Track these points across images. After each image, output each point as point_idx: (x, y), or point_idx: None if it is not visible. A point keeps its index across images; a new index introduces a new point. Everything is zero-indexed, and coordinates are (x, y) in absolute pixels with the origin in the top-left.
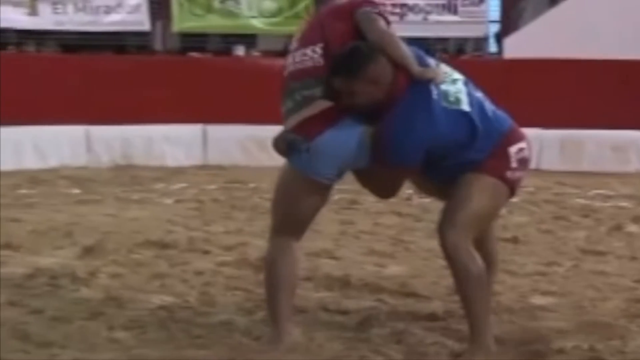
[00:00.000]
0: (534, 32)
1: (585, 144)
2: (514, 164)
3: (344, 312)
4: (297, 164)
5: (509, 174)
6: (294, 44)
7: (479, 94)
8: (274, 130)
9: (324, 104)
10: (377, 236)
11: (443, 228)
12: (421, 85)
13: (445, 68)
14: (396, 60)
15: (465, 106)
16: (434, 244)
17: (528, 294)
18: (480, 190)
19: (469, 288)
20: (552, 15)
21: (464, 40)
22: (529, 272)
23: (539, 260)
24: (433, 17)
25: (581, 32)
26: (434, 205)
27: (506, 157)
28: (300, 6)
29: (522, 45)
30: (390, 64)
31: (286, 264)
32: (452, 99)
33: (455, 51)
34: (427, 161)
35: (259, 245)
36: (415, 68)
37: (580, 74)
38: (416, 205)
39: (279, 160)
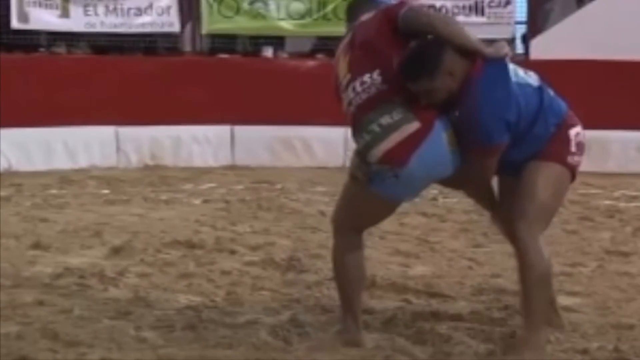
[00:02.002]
0: (561, 33)
1: (610, 145)
2: (573, 148)
3: (370, 312)
4: (378, 189)
5: (569, 158)
6: (344, 77)
7: (537, 80)
8: (302, 130)
9: (409, 129)
10: (403, 236)
11: (516, 222)
12: (495, 63)
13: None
14: (463, 46)
15: (533, 82)
16: (459, 244)
17: (553, 294)
18: (546, 179)
19: (533, 285)
20: (579, 16)
21: (491, 41)
22: (554, 272)
23: (564, 260)
24: (460, 19)
25: (608, 33)
26: (459, 206)
27: (567, 140)
28: (329, 8)
29: (548, 46)
30: (458, 51)
31: (354, 258)
32: (521, 74)
33: None
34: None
35: (285, 245)
36: (487, 49)
37: (606, 75)
38: (441, 205)
39: (306, 161)
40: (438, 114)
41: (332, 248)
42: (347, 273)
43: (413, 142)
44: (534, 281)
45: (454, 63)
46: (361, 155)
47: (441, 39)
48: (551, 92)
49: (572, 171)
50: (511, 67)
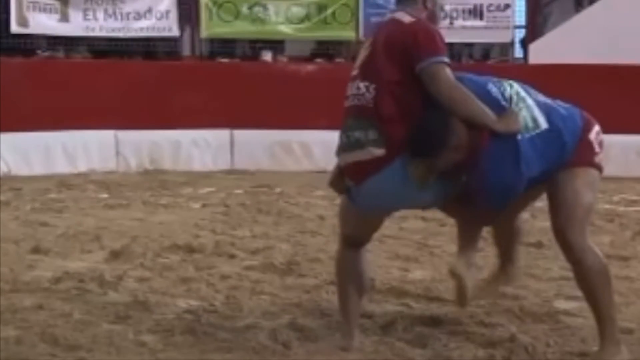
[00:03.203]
0: (560, 37)
1: (610, 149)
2: (597, 148)
3: (369, 316)
4: (350, 198)
5: (596, 159)
6: (355, 68)
7: (541, 97)
8: (301, 134)
9: (373, 152)
10: (402, 240)
11: (565, 232)
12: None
13: (510, 88)
14: (473, 121)
15: (543, 124)
16: None
17: (552, 298)
18: (584, 184)
19: (598, 286)
20: (578, 20)
21: (490, 45)
22: (554, 276)
23: (563, 264)
24: (459, 23)
25: (607, 38)
26: None
27: (590, 144)
28: (328, 12)
29: (547, 50)
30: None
31: (355, 265)
32: (530, 125)
33: (480, 56)
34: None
35: (284, 249)
36: (498, 125)
37: (606, 79)
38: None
39: (305, 165)
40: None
41: (336, 254)
42: (347, 280)
43: (372, 166)
44: (598, 282)
45: (460, 139)
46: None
47: (446, 110)
48: (562, 111)
49: (600, 169)
50: (530, 102)
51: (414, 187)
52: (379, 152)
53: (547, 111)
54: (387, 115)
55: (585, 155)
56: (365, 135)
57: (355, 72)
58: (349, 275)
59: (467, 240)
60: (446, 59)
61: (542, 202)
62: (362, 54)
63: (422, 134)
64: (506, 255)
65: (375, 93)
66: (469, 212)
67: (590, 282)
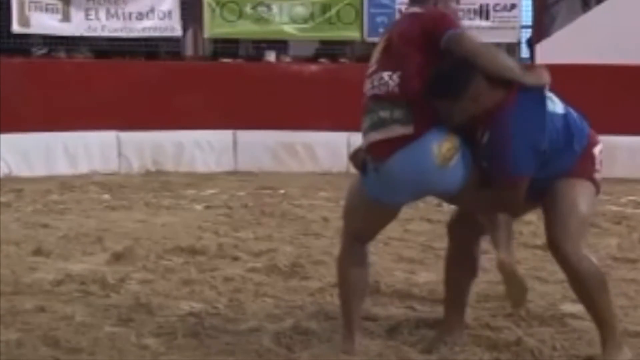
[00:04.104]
0: (566, 37)
1: (617, 151)
2: (598, 166)
3: (374, 319)
4: (367, 183)
5: (596, 175)
6: (372, 65)
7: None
8: (305, 136)
9: (399, 130)
10: (407, 243)
11: (560, 243)
12: (532, 94)
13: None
14: (501, 75)
15: (560, 109)
16: None
17: (558, 301)
18: (582, 195)
19: (596, 293)
20: (584, 21)
21: (496, 45)
22: (560, 279)
23: None
24: (465, 23)
25: (614, 38)
26: None
27: (592, 158)
28: (332, 12)
29: (554, 50)
30: (488, 79)
31: (356, 267)
32: (550, 104)
33: None
34: None
35: (288, 252)
36: (527, 79)
37: (613, 79)
38: (446, 211)
39: (309, 167)
40: (435, 125)
41: (338, 255)
42: (348, 282)
43: (399, 143)
44: (594, 288)
45: (480, 90)
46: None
47: (472, 64)
48: (575, 115)
49: (597, 187)
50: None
51: (437, 166)
52: (406, 129)
53: (566, 114)
54: (413, 95)
55: (586, 168)
56: (390, 114)
57: (373, 68)
58: (351, 275)
59: (500, 238)
60: (466, 30)
61: None
62: (378, 50)
63: (445, 75)
64: (454, 300)
65: (399, 80)
66: (488, 202)
67: (587, 289)
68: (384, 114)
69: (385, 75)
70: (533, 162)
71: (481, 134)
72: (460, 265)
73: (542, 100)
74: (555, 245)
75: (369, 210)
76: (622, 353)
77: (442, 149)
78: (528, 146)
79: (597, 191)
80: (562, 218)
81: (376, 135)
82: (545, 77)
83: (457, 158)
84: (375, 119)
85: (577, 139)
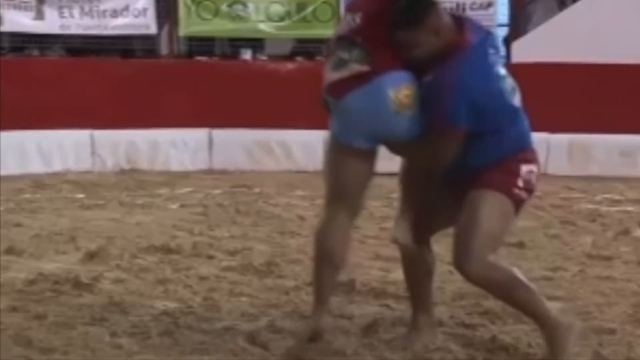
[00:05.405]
0: (543, 36)
1: (593, 149)
2: (520, 183)
3: (349, 317)
4: (332, 127)
5: (515, 190)
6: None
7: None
8: (280, 134)
9: (356, 68)
10: (383, 241)
11: (462, 262)
12: (482, 49)
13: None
14: None
15: (517, 102)
16: (440, 248)
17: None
18: (488, 210)
19: (513, 294)
20: (561, 19)
21: None
22: (536, 276)
23: (545, 265)
24: None
25: (590, 36)
26: None
27: (515, 173)
28: (308, 10)
29: (530, 49)
30: (449, 15)
31: (333, 239)
32: (509, 87)
33: None
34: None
35: (263, 250)
36: None
37: (588, 78)
38: None
39: (285, 165)
40: (393, 70)
41: (317, 225)
42: (324, 253)
43: (355, 80)
44: (509, 291)
45: (441, 23)
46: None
47: None
48: (525, 122)
49: (516, 205)
50: (503, 72)
51: (392, 111)
52: (362, 68)
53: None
54: (373, 35)
55: (504, 179)
56: (349, 54)
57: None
58: (328, 247)
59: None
60: None
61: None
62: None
63: (407, 4)
64: (417, 298)
65: (360, 21)
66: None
67: (503, 296)
68: (343, 54)
69: (349, 16)
70: (471, 116)
71: (427, 74)
72: (415, 265)
73: (492, 64)
74: (458, 264)
75: (338, 158)
76: (567, 341)
77: (398, 94)
78: (469, 98)
79: (516, 208)
80: (465, 237)
81: (335, 75)
82: None
83: (414, 108)
84: (336, 60)
85: (510, 141)
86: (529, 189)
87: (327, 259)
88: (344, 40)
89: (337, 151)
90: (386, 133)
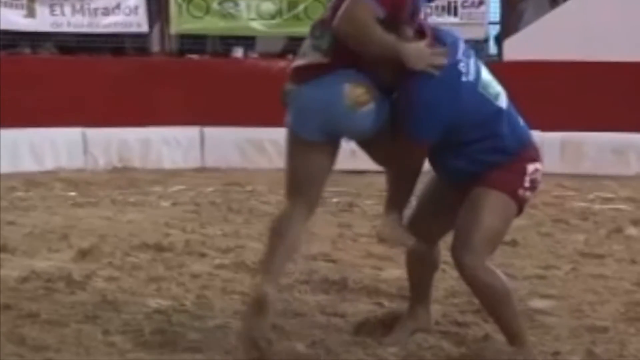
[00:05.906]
0: (534, 34)
1: (585, 147)
2: (527, 183)
3: (342, 315)
4: (288, 118)
5: (520, 191)
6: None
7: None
8: (272, 132)
9: (317, 57)
10: (375, 239)
11: (459, 253)
12: (449, 65)
13: (487, 75)
14: (371, 49)
15: (502, 104)
16: None
17: (526, 297)
18: (491, 208)
19: (498, 306)
20: (553, 17)
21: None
22: (528, 275)
23: (537, 263)
24: (433, 19)
25: (582, 34)
26: None
27: (521, 173)
28: (300, 8)
29: (522, 47)
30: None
31: (288, 233)
32: (491, 91)
33: None
34: (446, 146)
35: (256, 248)
36: (404, 51)
37: (581, 76)
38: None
39: (277, 163)
40: (353, 66)
41: (274, 217)
42: (278, 241)
43: (313, 70)
44: (497, 303)
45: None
46: None
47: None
48: (520, 121)
49: (520, 205)
50: (484, 78)
51: (345, 107)
52: (323, 59)
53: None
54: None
55: (510, 180)
56: (317, 42)
57: None
58: (283, 234)
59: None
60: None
61: None
62: None
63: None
64: (418, 292)
65: (331, 12)
66: (393, 151)
67: (487, 302)
68: (312, 41)
69: (328, 6)
70: (435, 130)
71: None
72: (421, 259)
73: (458, 74)
74: (455, 255)
75: (295, 151)
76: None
77: (354, 92)
78: (432, 114)
79: (519, 208)
80: (466, 230)
81: (300, 61)
82: (425, 57)
83: (371, 107)
84: (305, 47)
85: (508, 142)
86: (534, 187)
87: (281, 247)
88: (317, 29)
89: (293, 144)
90: (339, 128)
